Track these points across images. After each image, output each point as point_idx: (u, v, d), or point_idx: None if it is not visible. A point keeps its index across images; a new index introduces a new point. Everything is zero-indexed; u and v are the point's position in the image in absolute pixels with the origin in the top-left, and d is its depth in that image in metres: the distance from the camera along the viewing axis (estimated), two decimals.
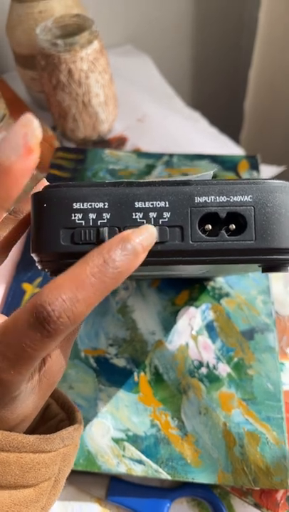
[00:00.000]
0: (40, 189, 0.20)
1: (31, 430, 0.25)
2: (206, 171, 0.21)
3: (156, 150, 0.56)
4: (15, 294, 0.43)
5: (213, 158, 0.51)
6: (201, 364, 0.37)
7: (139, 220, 0.19)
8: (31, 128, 0.16)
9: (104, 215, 0.19)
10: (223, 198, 0.19)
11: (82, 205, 0.19)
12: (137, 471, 0.33)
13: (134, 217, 0.19)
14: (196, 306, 0.40)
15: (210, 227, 0.19)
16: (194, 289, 0.41)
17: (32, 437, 0.21)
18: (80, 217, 0.19)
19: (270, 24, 0.71)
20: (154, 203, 0.19)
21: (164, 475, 0.33)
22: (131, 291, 0.41)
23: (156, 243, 0.19)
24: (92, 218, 0.19)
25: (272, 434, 0.33)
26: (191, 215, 0.19)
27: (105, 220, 0.19)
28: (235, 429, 0.34)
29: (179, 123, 0.61)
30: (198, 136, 0.59)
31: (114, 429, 0.35)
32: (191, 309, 0.40)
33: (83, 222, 0.19)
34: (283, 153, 0.80)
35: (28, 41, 0.55)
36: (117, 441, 0.34)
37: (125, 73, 0.68)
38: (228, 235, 0.19)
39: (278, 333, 0.39)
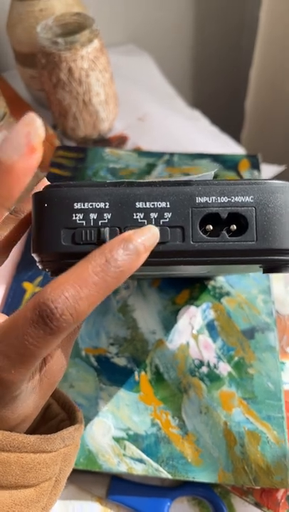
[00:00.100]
0: (41, 189, 0.20)
1: (32, 430, 0.25)
2: (207, 171, 0.21)
3: (157, 149, 0.56)
4: (15, 293, 0.43)
5: (214, 158, 0.51)
6: (201, 363, 0.37)
7: (140, 221, 0.19)
8: (34, 127, 0.16)
9: (105, 215, 0.19)
10: (225, 199, 0.19)
11: (83, 205, 0.19)
12: (138, 470, 0.33)
13: (135, 217, 0.19)
14: (197, 306, 0.40)
15: (211, 227, 0.19)
16: (195, 289, 0.41)
17: (33, 437, 0.21)
18: (81, 218, 0.19)
19: (271, 24, 0.70)
20: (155, 203, 0.19)
21: (165, 474, 0.33)
22: (132, 291, 0.41)
23: (158, 243, 0.19)
24: (93, 218, 0.19)
25: (273, 433, 0.34)
26: (192, 215, 0.19)
27: (106, 221, 0.19)
28: (235, 428, 0.34)
29: (180, 122, 0.61)
30: (199, 135, 0.59)
31: (115, 428, 0.35)
32: (192, 308, 0.40)
33: (84, 222, 0.19)
34: (284, 152, 0.80)
35: (28, 39, 0.54)
36: (117, 440, 0.34)
37: (126, 72, 0.68)
38: (229, 236, 0.19)
39: (279, 332, 0.39)
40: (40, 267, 0.20)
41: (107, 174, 0.50)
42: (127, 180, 0.20)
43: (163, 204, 0.19)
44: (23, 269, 0.44)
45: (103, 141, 0.59)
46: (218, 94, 1.00)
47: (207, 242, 0.19)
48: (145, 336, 0.39)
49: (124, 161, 0.52)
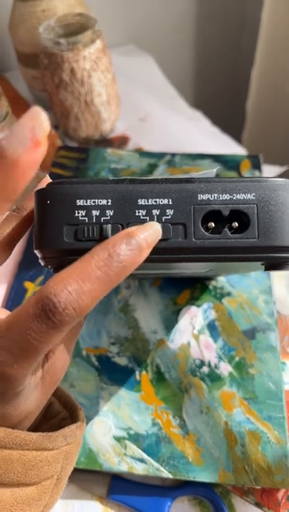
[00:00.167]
0: (44, 186, 0.20)
1: (33, 429, 0.25)
2: (210, 169, 0.21)
3: (159, 149, 0.56)
4: (17, 292, 0.43)
5: (216, 158, 0.51)
6: (202, 363, 0.37)
7: (142, 218, 0.19)
8: (39, 121, 0.15)
9: (107, 212, 0.19)
10: (226, 196, 0.19)
11: (86, 202, 0.19)
12: (139, 469, 0.33)
13: (137, 214, 0.19)
14: (198, 306, 0.40)
15: (213, 224, 0.19)
16: (196, 289, 0.41)
17: (35, 435, 0.21)
18: (84, 214, 0.19)
19: (273, 24, 0.71)
20: (157, 200, 0.19)
21: (166, 474, 0.33)
22: (133, 290, 0.41)
23: (160, 240, 0.19)
24: (96, 215, 0.19)
25: (274, 433, 0.33)
26: (194, 212, 0.19)
27: (108, 217, 0.19)
28: (236, 428, 0.34)
29: (181, 122, 0.61)
30: (200, 135, 0.59)
31: (116, 428, 0.35)
32: (193, 308, 0.40)
33: (86, 219, 0.19)
34: (285, 153, 0.80)
35: (30, 40, 0.55)
36: (118, 439, 0.34)
37: (128, 73, 0.68)
38: (231, 233, 0.19)
39: (280, 332, 0.39)
40: (42, 264, 0.21)
41: (109, 174, 0.51)
42: (129, 177, 0.20)
43: (165, 201, 0.19)
44: (25, 268, 0.44)
45: (105, 142, 0.59)
46: (219, 95, 1.01)
47: (209, 239, 0.19)
48: (146, 336, 0.39)
49: (125, 161, 0.52)
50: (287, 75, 0.73)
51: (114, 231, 0.18)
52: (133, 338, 0.39)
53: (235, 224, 0.19)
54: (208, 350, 0.38)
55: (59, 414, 0.26)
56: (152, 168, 0.51)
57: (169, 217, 0.19)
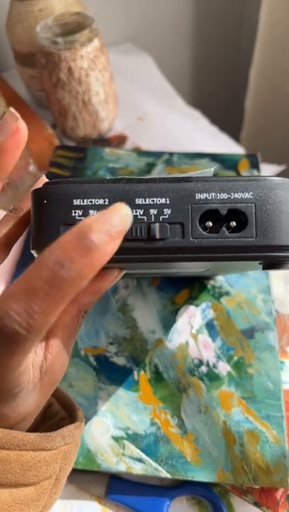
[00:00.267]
0: (41, 186, 0.20)
1: (32, 430, 0.24)
2: (207, 169, 0.21)
3: (157, 148, 0.56)
4: None
5: (214, 157, 0.51)
6: (201, 363, 0.37)
7: (139, 217, 0.19)
8: (14, 117, 0.20)
9: None
10: (224, 195, 0.19)
11: (83, 202, 0.19)
12: (137, 469, 0.33)
13: (134, 213, 0.19)
14: (196, 305, 0.40)
15: (211, 224, 0.19)
16: (194, 288, 0.41)
17: (33, 435, 0.21)
18: (80, 214, 0.19)
19: (271, 24, 0.71)
20: (155, 199, 0.19)
21: (164, 473, 0.33)
22: (131, 290, 0.41)
23: (157, 240, 0.18)
24: (92, 215, 0.19)
25: (272, 432, 0.33)
26: (192, 211, 0.19)
27: None
28: (235, 427, 0.34)
29: (180, 122, 0.61)
30: (198, 134, 0.59)
31: (114, 428, 0.35)
32: (191, 308, 0.40)
33: (83, 218, 0.19)
34: (283, 152, 0.80)
35: (28, 39, 0.54)
36: (116, 439, 0.34)
37: (125, 71, 0.68)
38: (229, 232, 0.19)
39: (278, 331, 0.39)
40: None
41: (107, 174, 0.50)
42: (126, 176, 0.19)
43: (162, 200, 0.19)
44: (23, 268, 0.44)
45: (103, 141, 0.59)
46: (217, 94, 1.00)
47: (207, 238, 0.19)
48: (144, 336, 0.39)
49: (123, 160, 0.52)
50: (286, 74, 0.73)
51: None
52: (131, 337, 0.39)
53: (233, 223, 0.19)
54: (206, 349, 0.38)
55: (58, 414, 0.26)
56: (150, 167, 0.50)
57: (167, 216, 0.19)
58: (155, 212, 0.19)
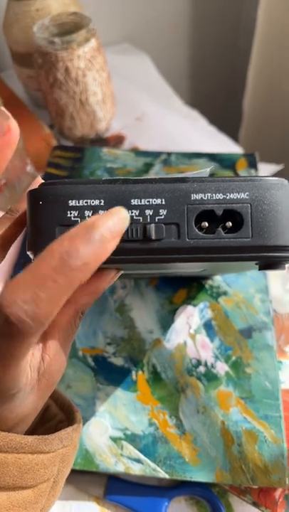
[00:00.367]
0: (36, 187, 0.20)
1: (30, 432, 0.24)
2: (204, 169, 0.21)
3: (155, 148, 0.56)
4: None
5: (212, 157, 0.51)
6: (199, 363, 0.37)
7: (135, 218, 0.19)
8: (9, 118, 0.19)
9: (100, 212, 0.19)
10: (220, 196, 0.19)
11: (78, 203, 0.19)
12: (135, 470, 0.33)
13: (130, 214, 0.19)
14: (194, 305, 0.40)
15: (206, 224, 0.19)
16: (192, 288, 0.41)
17: (30, 438, 0.21)
18: (76, 215, 0.19)
19: (269, 23, 0.70)
20: (150, 200, 0.19)
21: (162, 474, 0.33)
22: (129, 290, 0.41)
23: (153, 240, 0.18)
24: (88, 216, 0.19)
25: (270, 432, 0.33)
26: (188, 212, 0.19)
27: None
28: (233, 427, 0.34)
29: (178, 121, 0.61)
30: (196, 134, 0.59)
31: (112, 428, 0.35)
32: (189, 308, 0.40)
33: (79, 219, 0.19)
34: (281, 151, 0.80)
35: (25, 39, 0.54)
36: (115, 440, 0.34)
37: (123, 71, 0.68)
38: (225, 233, 0.19)
39: (276, 331, 0.39)
40: None
41: (105, 174, 0.50)
42: (122, 177, 0.19)
43: (158, 201, 0.19)
44: (20, 270, 0.44)
45: (100, 141, 0.59)
46: (215, 94, 1.00)
47: (202, 239, 0.19)
48: (142, 336, 0.39)
49: (121, 160, 0.51)
50: (283, 73, 0.73)
51: None
52: (129, 338, 0.39)
53: (229, 224, 0.19)
54: (204, 349, 0.38)
55: (56, 416, 0.26)
56: (148, 167, 0.50)
57: (162, 217, 0.19)
58: (151, 213, 0.19)
